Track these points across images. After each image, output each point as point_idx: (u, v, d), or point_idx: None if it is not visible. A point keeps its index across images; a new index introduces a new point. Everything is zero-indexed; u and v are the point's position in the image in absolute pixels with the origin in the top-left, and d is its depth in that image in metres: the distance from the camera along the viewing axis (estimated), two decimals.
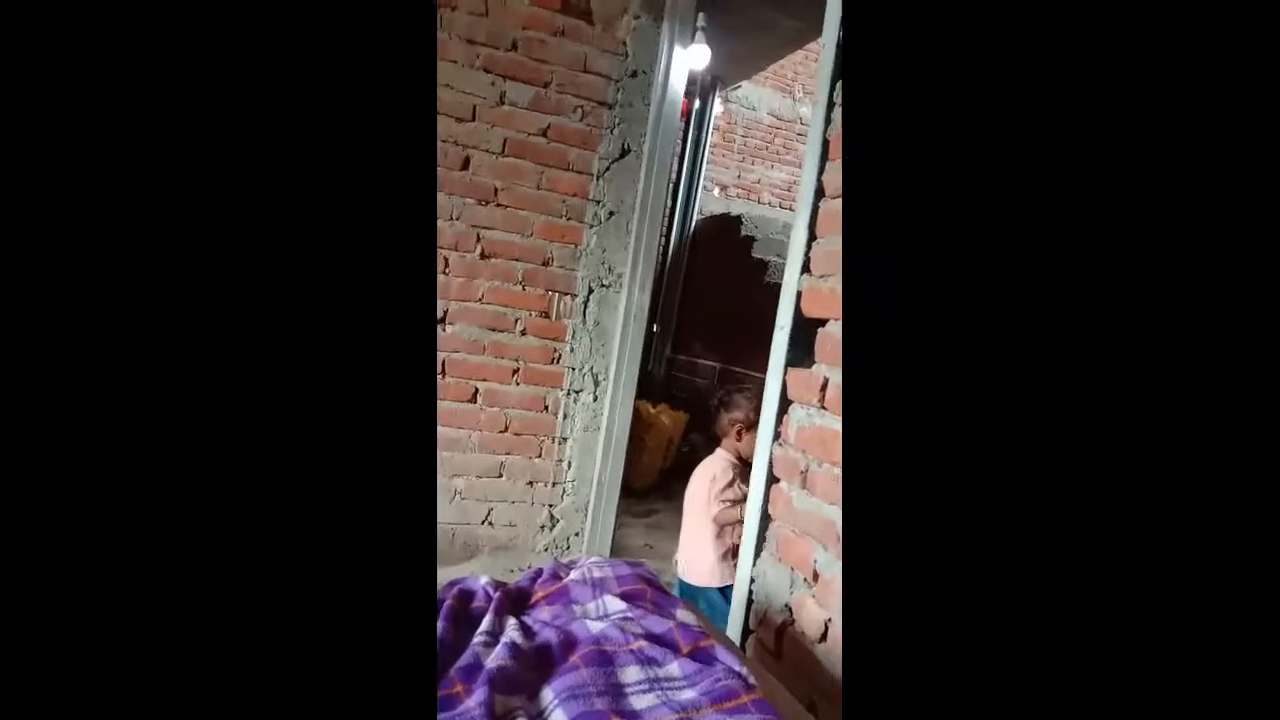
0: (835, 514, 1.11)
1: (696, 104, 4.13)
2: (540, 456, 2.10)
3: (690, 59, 2.18)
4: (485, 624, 0.91)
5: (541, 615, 0.98)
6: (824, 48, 1.30)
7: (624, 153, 2.08)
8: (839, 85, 1.25)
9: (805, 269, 1.27)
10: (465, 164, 1.94)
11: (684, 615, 0.98)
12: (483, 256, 1.99)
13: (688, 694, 0.81)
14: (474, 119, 1.94)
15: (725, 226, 4.32)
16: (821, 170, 1.26)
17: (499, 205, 1.99)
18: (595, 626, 0.91)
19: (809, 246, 1.27)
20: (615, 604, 0.98)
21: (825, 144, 1.26)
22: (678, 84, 2.11)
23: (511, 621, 0.93)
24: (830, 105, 1.26)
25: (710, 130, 4.26)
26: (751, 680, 0.82)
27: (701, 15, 2.22)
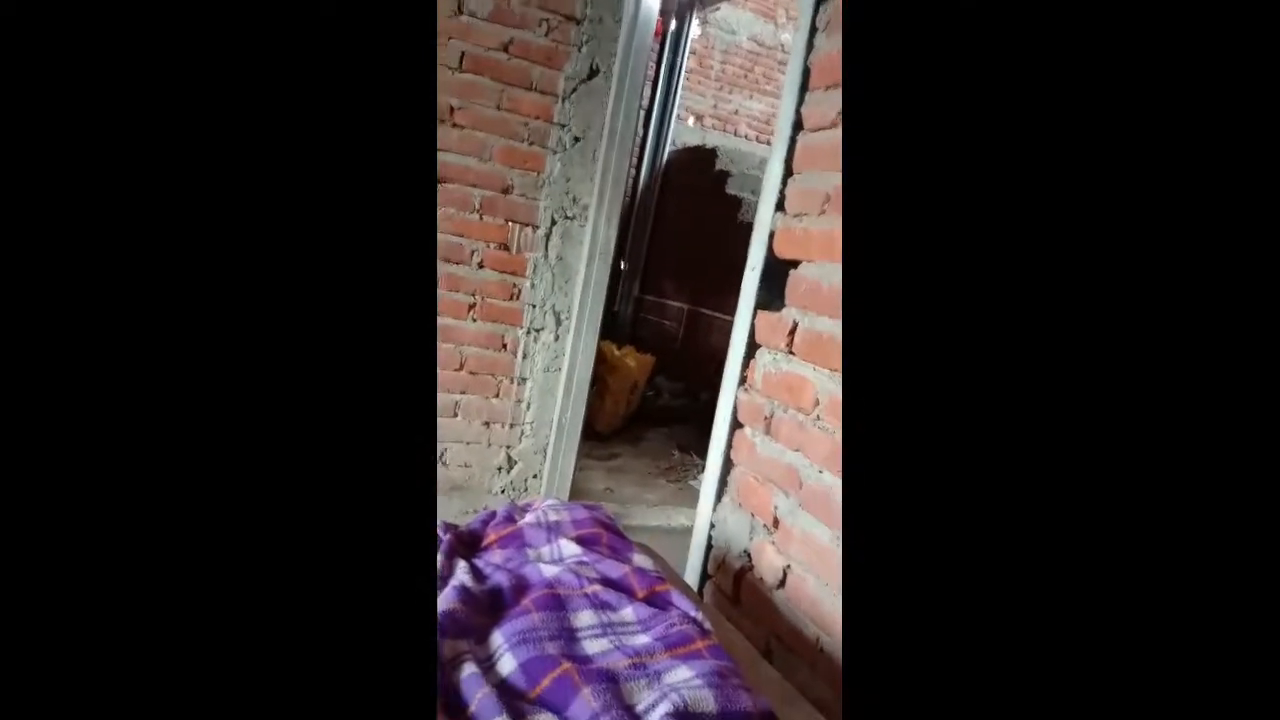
0: (798, 460, 1.09)
1: (673, 24, 3.93)
2: (498, 396, 2.04)
3: None
4: (435, 566, 0.88)
5: (493, 558, 0.96)
6: None
7: (592, 73, 1.95)
8: (822, 8, 1.17)
9: (780, 207, 1.21)
10: None
11: (640, 560, 0.96)
12: (437, 181, 1.87)
13: (641, 639, 0.80)
14: None
15: (699, 159, 4.18)
16: (801, 101, 1.18)
17: (455, 125, 1.85)
18: (549, 570, 0.90)
19: (784, 183, 1.20)
20: (570, 548, 0.97)
21: (806, 72, 1.18)
22: (652, 0, 1.97)
23: (462, 564, 0.90)
24: (813, 30, 1.18)
25: (686, 54, 4.06)
26: (707, 626, 0.81)
27: None
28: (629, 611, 0.84)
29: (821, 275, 1.09)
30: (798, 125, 1.19)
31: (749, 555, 1.21)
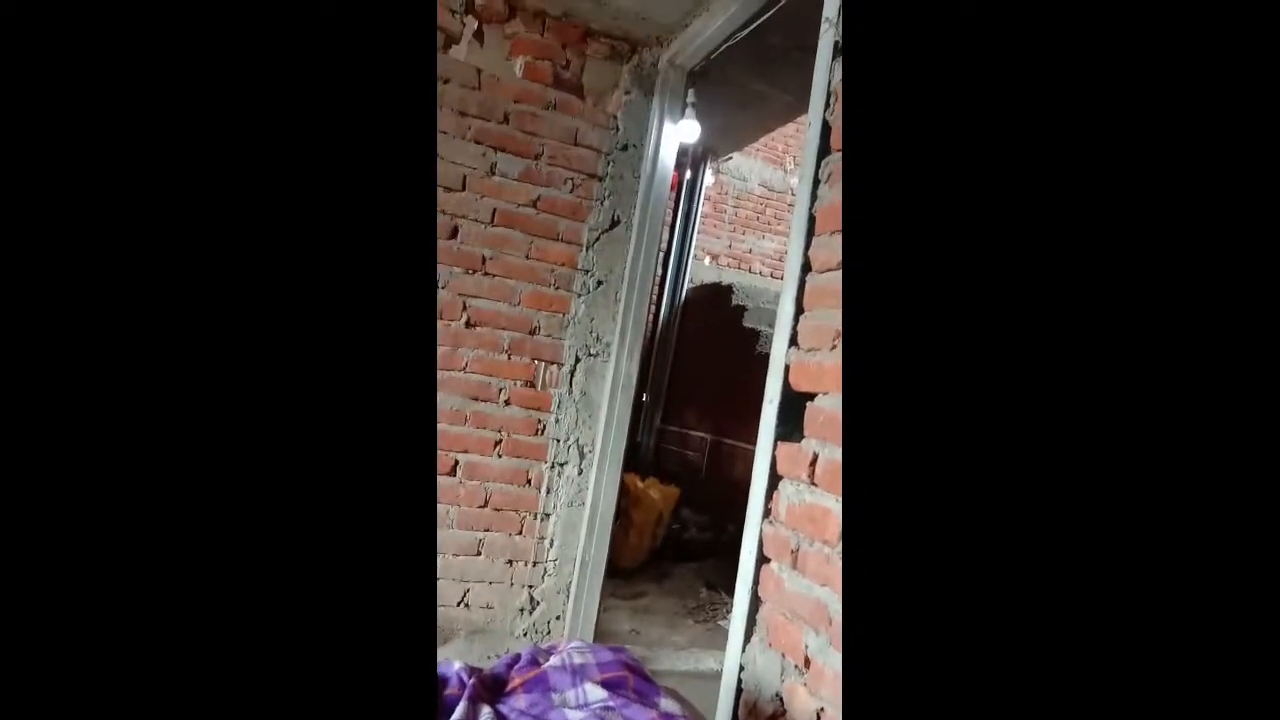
0: (828, 596, 1.07)
1: (688, 174, 4.24)
2: (521, 533, 2.03)
3: (680, 133, 2.25)
4: (459, 712, 0.87)
5: (518, 703, 0.93)
6: (810, 125, 1.34)
7: (614, 224, 2.11)
8: (824, 163, 1.28)
9: (793, 342, 1.26)
10: (454, 233, 1.96)
11: (668, 705, 0.93)
12: (468, 325, 1.98)
13: None
14: (464, 189, 1.97)
15: (717, 295, 4.37)
16: (808, 245, 1.27)
17: (486, 274, 1.99)
18: (574, 716, 0.87)
19: (796, 320, 1.27)
20: (596, 692, 0.94)
21: (811, 219, 1.28)
22: (668, 157, 2.16)
23: (486, 710, 0.88)
24: (816, 181, 1.28)
25: (701, 200, 4.35)
26: None
27: (691, 91, 2.29)
28: None
29: (838, 406, 1.12)
30: (806, 267, 1.27)
31: (780, 698, 1.15)
